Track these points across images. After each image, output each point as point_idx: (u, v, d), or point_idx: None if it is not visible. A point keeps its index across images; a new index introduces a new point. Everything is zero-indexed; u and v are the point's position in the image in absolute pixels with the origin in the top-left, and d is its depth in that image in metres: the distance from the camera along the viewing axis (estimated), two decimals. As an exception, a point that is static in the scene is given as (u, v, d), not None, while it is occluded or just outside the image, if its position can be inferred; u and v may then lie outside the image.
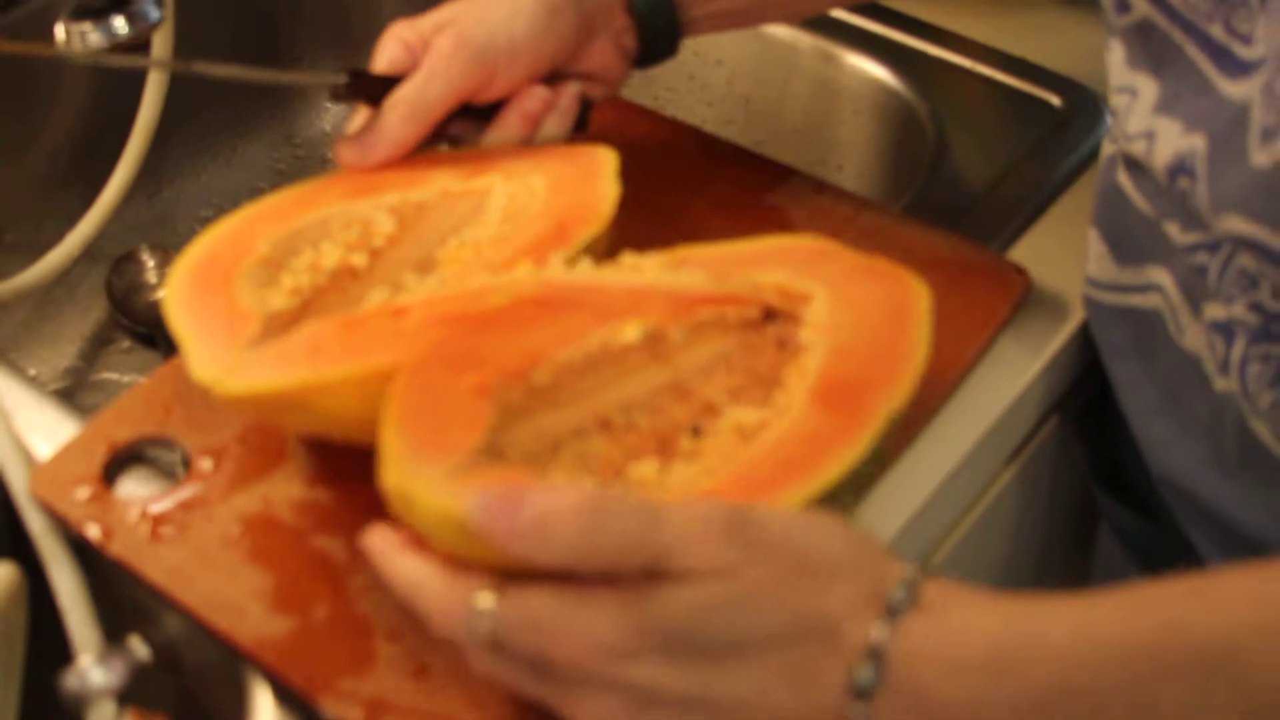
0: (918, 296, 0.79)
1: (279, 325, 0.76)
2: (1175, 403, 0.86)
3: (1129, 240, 0.86)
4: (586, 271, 0.78)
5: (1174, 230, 0.80)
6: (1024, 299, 0.90)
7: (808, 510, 0.65)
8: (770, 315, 0.77)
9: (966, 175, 1.03)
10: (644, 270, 0.79)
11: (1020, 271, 0.90)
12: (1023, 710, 0.60)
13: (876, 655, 0.60)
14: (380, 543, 0.67)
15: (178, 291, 0.78)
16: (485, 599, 0.62)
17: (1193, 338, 0.83)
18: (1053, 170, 1.03)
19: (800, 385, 0.73)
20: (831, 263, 0.81)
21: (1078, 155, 1.04)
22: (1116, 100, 0.82)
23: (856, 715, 0.60)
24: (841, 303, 0.77)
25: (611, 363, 0.74)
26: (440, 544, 0.65)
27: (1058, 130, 1.06)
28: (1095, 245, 0.89)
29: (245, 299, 0.77)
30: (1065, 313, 0.91)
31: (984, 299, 0.89)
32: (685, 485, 0.69)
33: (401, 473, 0.66)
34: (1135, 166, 0.82)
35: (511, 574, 0.63)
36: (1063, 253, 0.95)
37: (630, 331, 0.74)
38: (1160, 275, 0.84)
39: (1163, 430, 0.88)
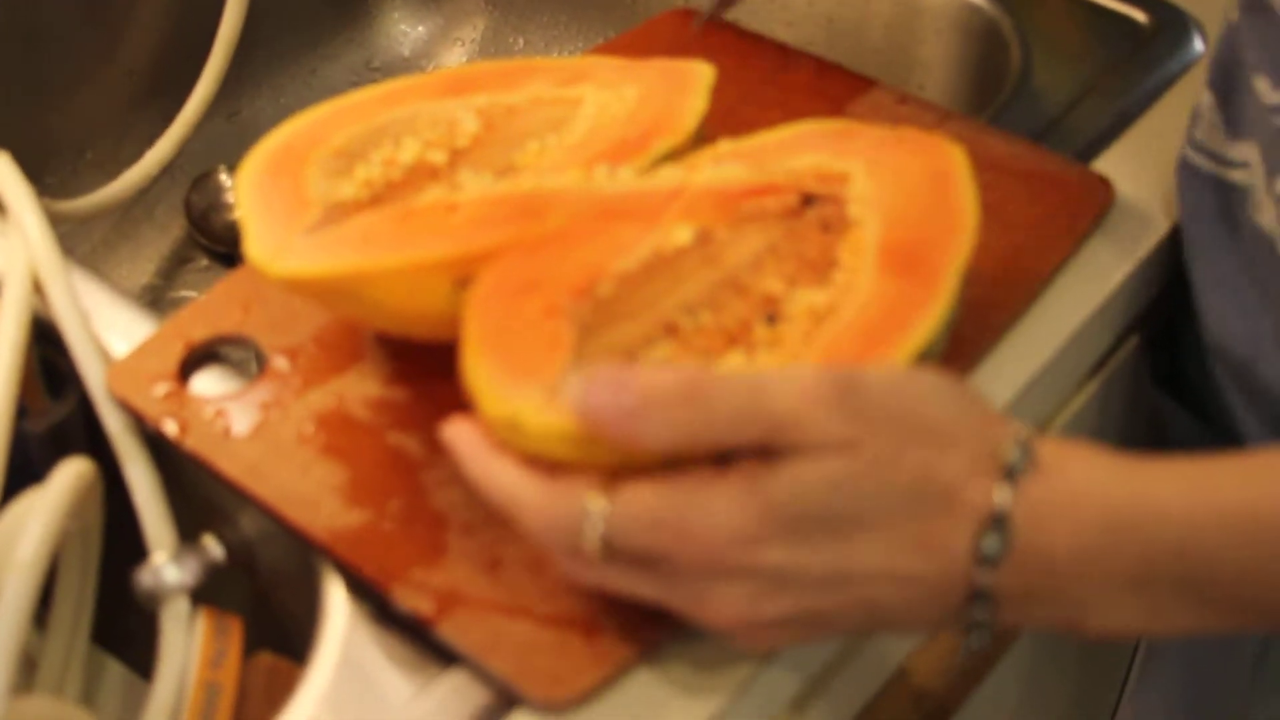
0: (953, 157, 0.78)
1: (342, 214, 0.75)
2: (1245, 274, 0.85)
3: (1237, 107, 0.85)
4: (626, 177, 0.77)
5: (1264, 87, 0.79)
6: (1107, 210, 0.88)
7: (911, 369, 0.64)
8: (808, 200, 0.76)
9: (1050, 93, 1.02)
10: (681, 169, 0.78)
11: (1104, 182, 0.89)
12: (1139, 569, 0.61)
13: (1000, 521, 0.60)
14: (468, 445, 0.66)
15: (250, 174, 0.77)
16: (596, 500, 0.62)
17: (1268, 214, 0.81)
18: (1137, 87, 1.01)
19: (860, 258, 0.72)
20: (861, 139, 0.79)
21: (1163, 73, 1.02)
22: None
23: (985, 579, 0.61)
24: (880, 175, 0.77)
25: (665, 268, 0.73)
26: (550, 459, 0.64)
27: (1143, 47, 1.05)
28: (1208, 111, 0.88)
29: (314, 187, 0.76)
30: (1148, 226, 0.90)
31: (1067, 209, 0.88)
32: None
33: (502, 400, 0.64)
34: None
35: (617, 477, 0.62)
36: (1146, 168, 0.93)
37: (681, 234, 0.73)
38: (1251, 151, 0.83)
39: (1229, 301, 0.87)
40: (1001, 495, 0.60)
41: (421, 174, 0.79)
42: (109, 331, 0.84)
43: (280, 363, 0.80)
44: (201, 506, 0.80)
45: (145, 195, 1.19)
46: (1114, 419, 1.00)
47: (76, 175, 1.18)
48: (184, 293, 1.18)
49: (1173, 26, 1.06)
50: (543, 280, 0.70)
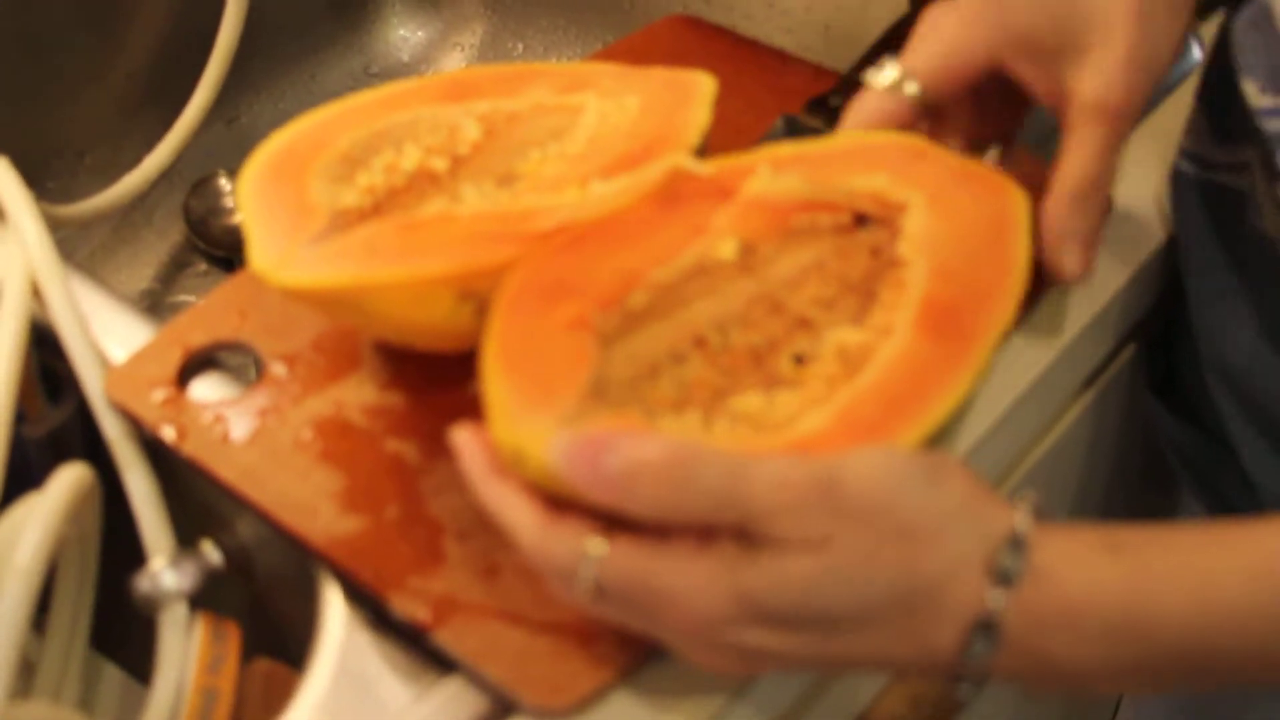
0: (1017, 206, 0.78)
1: (346, 223, 0.75)
2: (1241, 282, 0.85)
3: (1227, 112, 0.85)
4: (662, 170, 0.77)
5: (1252, 90, 0.79)
6: (1106, 218, 0.88)
7: (900, 459, 0.62)
8: (862, 221, 0.76)
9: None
10: (736, 175, 0.77)
11: (1101, 191, 0.89)
12: (1140, 664, 0.61)
13: (990, 625, 0.60)
14: (475, 462, 0.65)
15: (252, 179, 0.77)
16: (594, 545, 0.61)
17: (1270, 217, 0.82)
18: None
19: (901, 306, 0.72)
20: (928, 165, 0.79)
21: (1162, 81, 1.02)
22: None
23: (972, 669, 0.61)
24: (940, 213, 0.76)
25: (702, 277, 0.73)
26: (552, 493, 0.64)
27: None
28: (1197, 116, 0.88)
29: (317, 193, 0.76)
30: (1146, 235, 0.90)
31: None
32: (791, 419, 0.67)
33: (511, 426, 0.64)
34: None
35: (615, 522, 0.62)
36: (1144, 177, 0.93)
37: (726, 248, 0.73)
38: (1246, 155, 0.83)
39: (1225, 309, 0.87)
40: (994, 600, 0.59)
41: (423, 180, 0.79)
42: (107, 337, 0.84)
43: (278, 369, 0.80)
44: (199, 512, 0.80)
45: (144, 200, 1.19)
46: (1110, 427, 1.00)
47: (75, 180, 1.19)
48: (183, 297, 1.18)
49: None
50: (576, 283, 0.70)
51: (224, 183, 1.22)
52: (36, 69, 1.15)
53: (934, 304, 0.72)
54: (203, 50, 1.19)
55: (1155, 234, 0.90)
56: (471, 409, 0.76)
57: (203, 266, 1.20)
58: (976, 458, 0.79)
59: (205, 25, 1.19)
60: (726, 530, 0.60)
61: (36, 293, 0.82)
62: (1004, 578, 0.60)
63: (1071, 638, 0.60)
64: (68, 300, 0.82)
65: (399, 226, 0.74)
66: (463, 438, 0.66)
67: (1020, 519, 0.61)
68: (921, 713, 0.85)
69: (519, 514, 0.63)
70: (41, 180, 1.16)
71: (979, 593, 0.60)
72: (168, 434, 0.77)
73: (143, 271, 1.19)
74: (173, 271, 1.20)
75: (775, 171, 0.77)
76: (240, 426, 0.77)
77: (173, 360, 0.80)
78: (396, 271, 0.71)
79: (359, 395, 0.78)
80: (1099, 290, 0.86)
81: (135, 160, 1.17)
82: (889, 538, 0.59)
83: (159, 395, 0.79)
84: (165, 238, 1.21)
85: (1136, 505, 1.12)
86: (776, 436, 0.66)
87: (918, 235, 0.75)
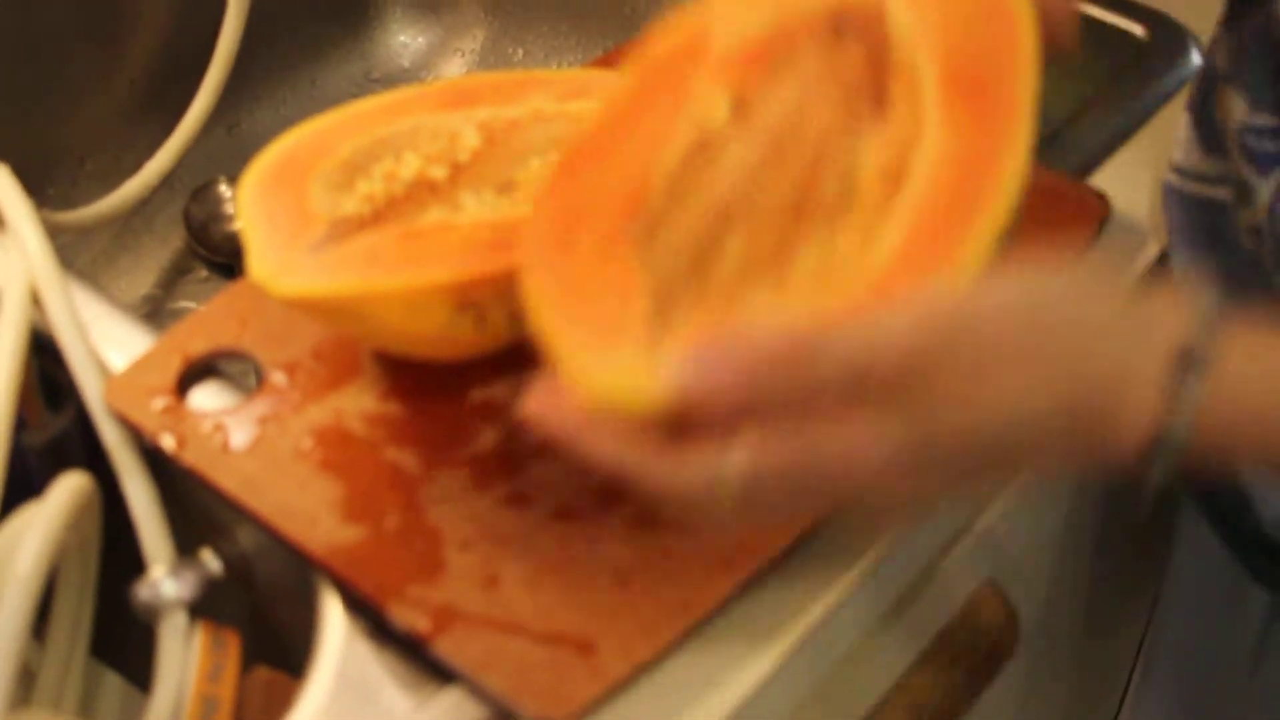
0: None
1: (345, 231, 0.75)
2: (1232, 296, 0.85)
3: (1215, 124, 0.85)
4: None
5: (1239, 105, 0.80)
6: (1103, 225, 0.88)
7: (1044, 281, 0.60)
8: (840, 23, 0.72)
9: (1046, 107, 1.00)
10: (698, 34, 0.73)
11: (1100, 197, 0.89)
12: None
13: (1166, 441, 0.57)
14: (564, 425, 0.62)
15: (252, 186, 0.77)
16: (730, 462, 0.58)
17: (1249, 213, 0.82)
18: (1134, 102, 1.01)
19: (921, 99, 0.67)
20: None
21: (1161, 87, 1.02)
22: None
23: (1154, 475, 0.58)
24: (920, 3, 0.71)
25: (707, 149, 0.69)
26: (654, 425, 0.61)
27: (1141, 62, 1.05)
28: (1184, 130, 0.88)
29: (317, 201, 0.76)
30: (1145, 242, 0.90)
31: (1063, 225, 0.88)
32: (861, 257, 0.64)
33: (597, 375, 0.62)
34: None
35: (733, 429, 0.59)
36: (1143, 183, 0.93)
37: (717, 109, 0.70)
38: (1235, 168, 0.83)
39: None
40: (1170, 416, 0.57)
41: (423, 189, 0.79)
42: (107, 344, 0.84)
43: (278, 377, 0.80)
44: (199, 520, 0.80)
45: (145, 206, 1.19)
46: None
47: (76, 186, 1.19)
48: (183, 304, 1.18)
49: (1171, 41, 1.06)
50: (589, 206, 0.67)
51: (224, 189, 1.22)
52: (38, 75, 1.15)
53: (955, 84, 0.67)
54: (203, 56, 1.19)
55: (1150, 245, 0.90)
56: (472, 417, 0.76)
57: (203, 273, 1.20)
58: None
59: (206, 31, 1.19)
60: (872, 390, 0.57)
61: (37, 301, 0.82)
62: (1178, 390, 0.57)
63: (1260, 433, 0.59)
64: (68, 308, 0.82)
65: (399, 235, 0.74)
66: (538, 407, 0.63)
67: (1194, 326, 0.59)
68: (922, 720, 0.85)
69: (637, 457, 0.61)
70: (42, 186, 1.16)
71: (1153, 406, 0.57)
72: (167, 443, 0.77)
73: (143, 277, 1.19)
74: (173, 278, 1.20)
75: (735, 12, 0.73)
76: (240, 435, 0.77)
77: (172, 368, 0.80)
78: (396, 281, 0.72)
79: (359, 404, 0.78)
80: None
81: (136, 166, 1.17)
82: (1043, 363, 0.57)
83: (159, 404, 0.79)
84: (166, 244, 1.21)
85: (1131, 524, 1.12)
86: (856, 280, 0.63)
87: (908, 28, 0.70)
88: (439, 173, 0.80)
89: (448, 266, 0.72)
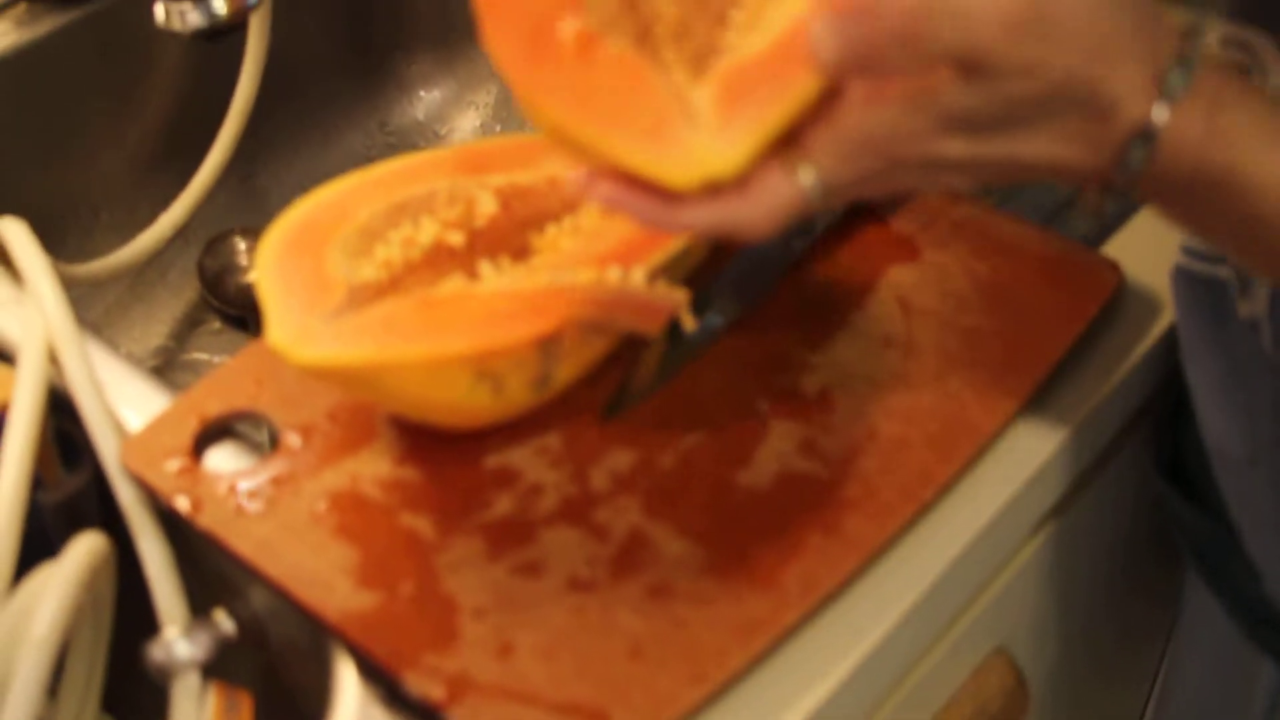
0: None
1: (364, 298, 0.76)
2: (1235, 376, 0.86)
3: None
4: (638, 279, 0.76)
5: None
6: (1116, 295, 0.89)
7: None
8: None
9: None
10: None
11: (1113, 266, 0.89)
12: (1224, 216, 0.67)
13: (1149, 135, 0.64)
14: (650, 208, 0.66)
15: (270, 252, 0.78)
16: (805, 172, 0.64)
17: (1247, 305, 0.83)
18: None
19: None
20: None
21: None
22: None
23: (1121, 178, 0.66)
24: None
25: None
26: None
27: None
28: None
29: (335, 267, 0.77)
30: (1157, 311, 0.90)
31: (1075, 293, 0.88)
32: None
33: (689, 165, 0.63)
34: None
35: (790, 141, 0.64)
36: (1156, 252, 0.93)
37: None
38: None
39: (1223, 404, 0.88)
40: (1158, 115, 0.64)
41: (441, 255, 0.80)
42: (123, 402, 0.84)
43: (293, 439, 0.80)
44: (213, 580, 0.81)
45: (159, 257, 1.20)
46: (1119, 504, 1.00)
47: (91, 236, 1.19)
48: (196, 355, 1.19)
49: None
50: (541, 6, 0.66)
51: (238, 240, 1.23)
52: (55, 127, 1.16)
53: None
54: (218, 109, 1.19)
55: (1167, 311, 0.90)
56: (487, 483, 0.77)
57: (216, 324, 1.21)
58: (987, 537, 0.79)
59: (221, 84, 1.19)
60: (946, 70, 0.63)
61: (53, 358, 0.83)
62: (1169, 96, 0.64)
63: (1237, 145, 0.65)
64: (85, 367, 0.82)
65: (417, 304, 0.74)
66: (618, 193, 0.66)
67: (1189, 45, 0.65)
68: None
69: (727, 214, 0.65)
70: (58, 237, 1.16)
71: (1146, 108, 0.64)
72: (182, 505, 0.77)
73: (157, 328, 1.20)
74: (187, 329, 1.20)
75: None
76: (255, 499, 0.77)
77: (188, 429, 0.81)
78: (414, 350, 0.72)
79: (374, 468, 0.78)
80: (1110, 368, 0.86)
81: (151, 217, 1.18)
82: (1090, 55, 0.63)
83: (174, 465, 0.79)
84: (179, 295, 1.22)
85: (1141, 581, 1.12)
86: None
87: None
88: (456, 239, 0.80)
89: (466, 336, 0.72)
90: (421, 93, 1.37)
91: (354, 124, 1.34)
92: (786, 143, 0.64)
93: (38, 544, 0.78)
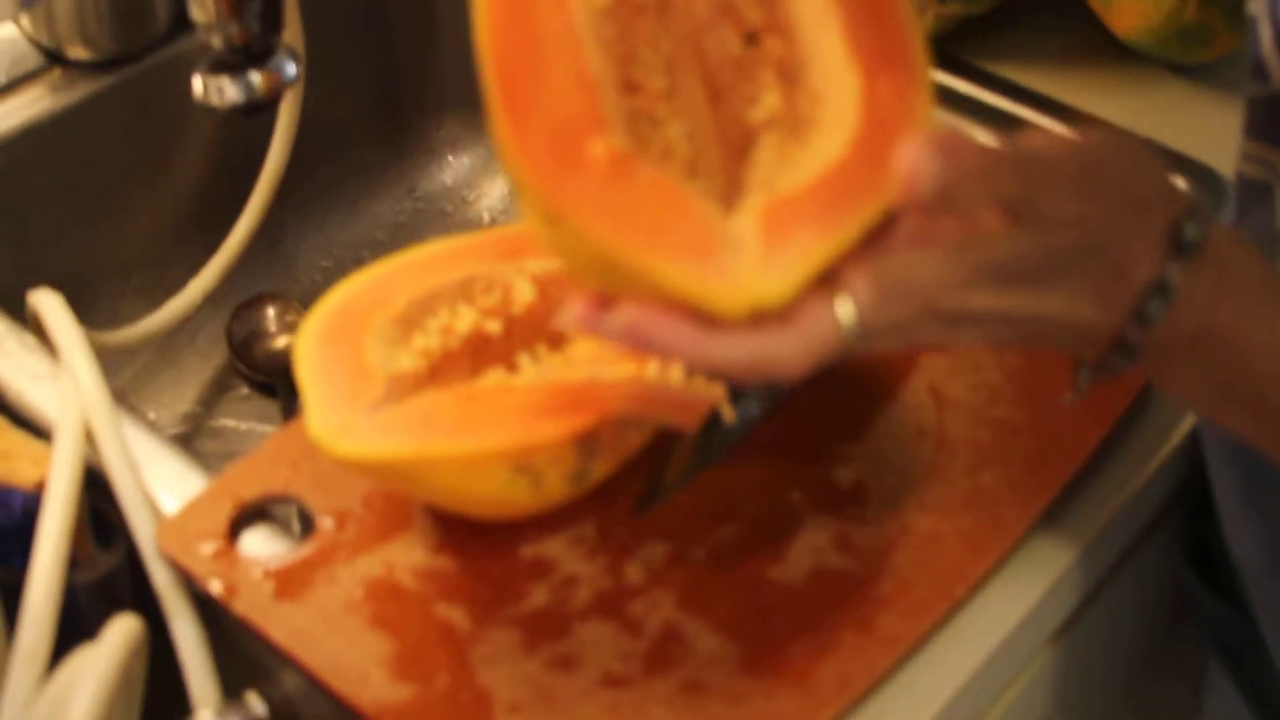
0: None
1: (402, 388, 0.76)
2: (1259, 490, 0.87)
3: None
4: (677, 376, 0.75)
5: None
6: (1145, 390, 0.89)
7: (1135, 139, 0.68)
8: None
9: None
10: None
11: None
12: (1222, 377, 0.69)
13: (1165, 291, 0.66)
14: (683, 338, 0.64)
15: (309, 340, 0.78)
16: (843, 307, 0.63)
17: None
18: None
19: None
20: None
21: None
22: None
23: (1135, 335, 0.67)
24: None
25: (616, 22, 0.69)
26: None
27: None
28: None
29: (373, 356, 0.77)
30: (1184, 407, 0.91)
31: (1105, 387, 0.88)
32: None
33: (729, 292, 0.63)
34: None
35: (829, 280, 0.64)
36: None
37: None
38: None
39: (1248, 513, 0.88)
40: (1174, 268, 0.66)
41: (479, 342, 0.80)
42: (157, 481, 0.85)
43: (328, 524, 0.80)
44: (245, 661, 0.81)
45: (188, 322, 1.20)
46: (1145, 591, 1.00)
47: (122, 300, 1.20)
48: (224, 421, 1.19)
49: (1212, 192, 1.06)
50: (571, 122, 0.65)
51: (267, 306, 1.23)
52: (88, 192, 1.17)
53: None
54: (249, 174, 1.20)
55: (1188, 417, 0.90)
56: (523, 574, 0.77)
57: (244, 390, 1.21)
58: (1020, 633, 0.79)
59: (252, 150, 1.20)
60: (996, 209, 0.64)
61: (89, 435, 0.83)
62: (1185, 247, 0.66)
63: (1238, 305, 0.67)
64: (121, 448, 0.83)
65: (456, 398, 0.75)
66: (649, 324, 0.64)
67: (1198, 204, 0.67)
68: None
69: (765, 348, 0.64)
70: (90, 301, 1.17)
71: (1160, 259, 0.66)
72: (217, 589, 0.78)
73: (185, 394, 1.20)
74: (214, 395, 1.21)
75: None
76: (290, 585, 0.78)
77: (224, 512, 0.81)
78: (454, 446, 0.72)
79: (409, 556, 0.79)
80: (1136, 467, 0.87)
81: (181, 282, 1.19)
82: (1122, 208, 0.66)
83: (209, 548, 0.79)
84: (208, 360, 1.22)
85: (1165, 669, 1.12)
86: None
87: None
88: (494, 327, 0.81)
89: (505, 432, 0.73)
90: (450, 158, 1.38)
91: (383, 189, 1.35)
92: (826, 280, 0.64)
93: (70, 622, 0.78)
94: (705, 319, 0.63)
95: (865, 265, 0.63)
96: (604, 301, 0.65)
